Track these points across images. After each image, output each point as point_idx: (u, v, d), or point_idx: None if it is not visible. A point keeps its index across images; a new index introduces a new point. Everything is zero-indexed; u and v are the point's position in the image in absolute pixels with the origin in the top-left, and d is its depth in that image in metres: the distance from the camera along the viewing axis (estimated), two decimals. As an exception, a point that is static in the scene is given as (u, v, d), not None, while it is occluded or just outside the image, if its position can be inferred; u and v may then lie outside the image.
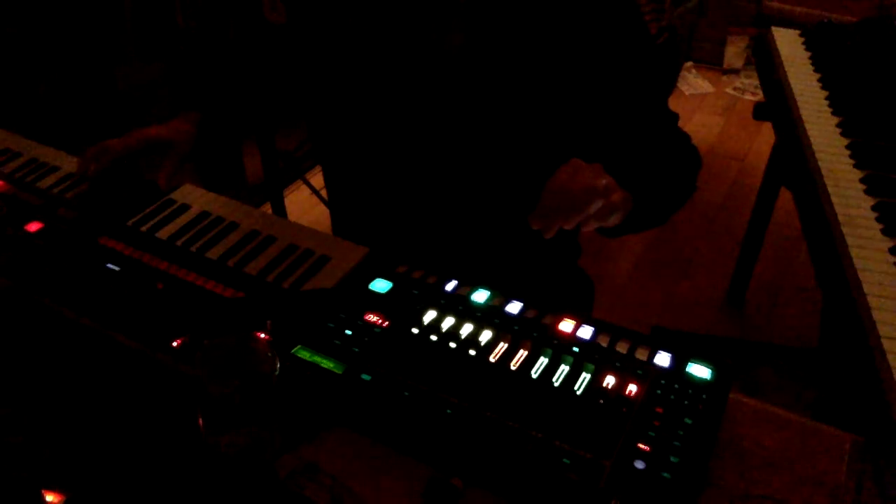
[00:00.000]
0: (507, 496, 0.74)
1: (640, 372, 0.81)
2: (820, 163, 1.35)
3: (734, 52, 3.84)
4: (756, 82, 3.63)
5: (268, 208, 2.36)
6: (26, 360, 0.90)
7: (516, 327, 0.87)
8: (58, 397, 0.85)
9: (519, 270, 1.13)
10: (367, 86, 1.08)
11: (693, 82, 3.76)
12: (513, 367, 0.82)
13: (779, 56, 1.74)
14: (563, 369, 0.82)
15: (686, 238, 2.69)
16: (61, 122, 2.34)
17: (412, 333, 0.86)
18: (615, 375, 0.81)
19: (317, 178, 2.67)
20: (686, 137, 1.13)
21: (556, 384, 0.80)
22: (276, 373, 0.75)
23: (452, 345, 0.84)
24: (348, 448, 0.79)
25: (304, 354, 0.83)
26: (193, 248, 1.03)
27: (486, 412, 0.76)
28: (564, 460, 0.71)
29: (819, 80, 1.63)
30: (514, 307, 0.90)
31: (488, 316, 0.88)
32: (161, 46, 2.57)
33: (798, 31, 1.85)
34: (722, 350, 2.18)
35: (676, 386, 0.80)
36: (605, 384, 0.80)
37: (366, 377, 0.80)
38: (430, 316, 0.88)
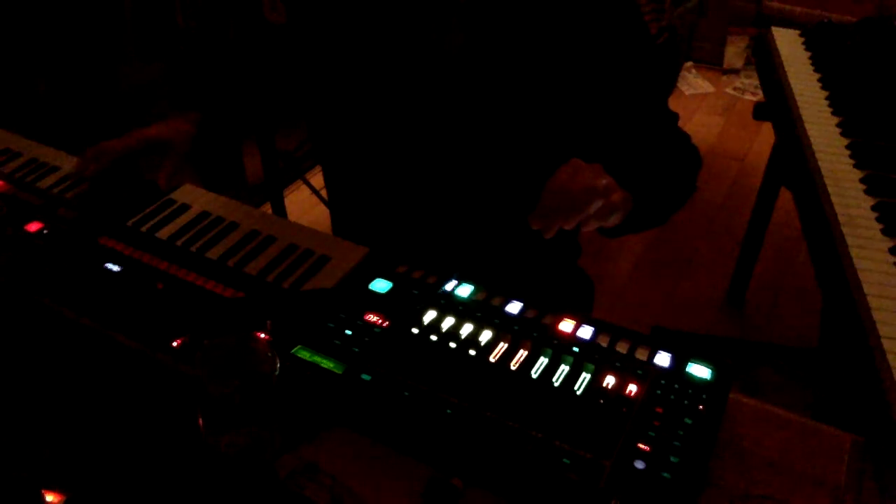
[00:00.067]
0: (507, 496, 0.74)
1: (640, 372, 0.81)
2: (820, 163, 1.35)
3: (734, 52, 3.84)
4: (756, 82, 3.63)
5: (268, 208, 2.36)
6: (26, 360, 0.90)
7: (516, 327, 0.87)
8: (58, 397, 0.85)
9: (519, 270, 1.13)
10: (367, 86, 1.08)
11: (693, 82, 3.76)
12: (513, 367, 0.82)
13: (779, 56, 1.74)
14: (563, 369, 0.82)
15: (686, 238, 2.69)
16: (61, 122, 2.34)
17: (412, 333, 0.86)
18: (615, 375, 0.81)
19: (317, 178, 2.67)
20: (686, 137, 1.13)
21: (556, 384, 0.80)
22: (276, 373, 0.75)
23: (452, 345, 0.84)
24: (348, 448, 0.79)
25: (304, 354, 0.83)
26: (193, 248, 1.03)
27: (486, 412, 0.76)
28: (564, 460, 0.71)
29: (819, 80, 1.63)
30: (514, 307, 0.90)
31: (488, 316, 0.88)
32: (161, 46, 2.57)
33: (798, 31, 1.85)
34: (722, 350, 2.18)
35: (676, 386, 0.80)
36: (605, 384, 0.80)
37: (366, 377, 0.80)
38: (430, 316, 0.88)
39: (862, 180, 1.30)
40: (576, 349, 0.84)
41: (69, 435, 0.81)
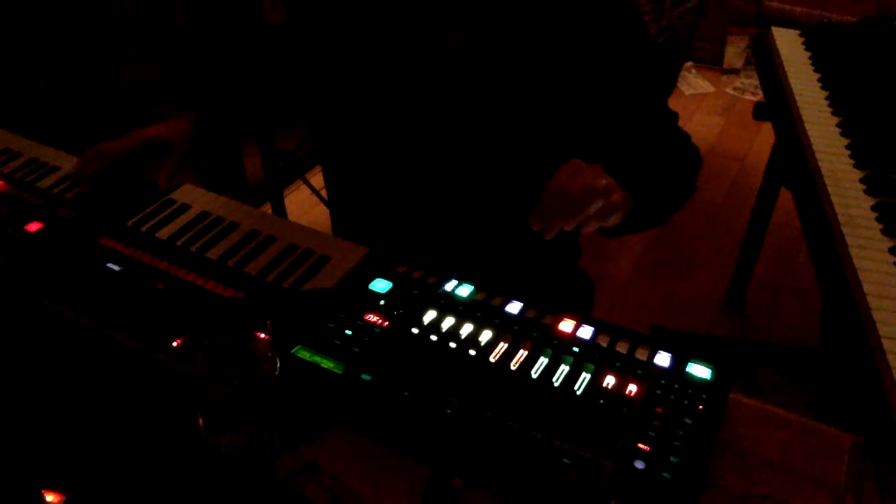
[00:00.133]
0: (507, 496, 0.74)
1: (640, 372, 0.81)
2: (820, 163, 1.35)
3: (734, 52, 3.84)
4: (756, 82, 3.63)
5: (268, 208, 2.36)
6: (26, 360, 0.90)
7: (516, 327, 0.87)
8: (58, 397, 0.85)
9: (519, 270, 1.13)
10: (367, 86, 1.08)
11: (693, 82, 3.76)
12: (513, 367, 0.82)
13: (779, 56, 1.74)
14: (563, 369, 0.82)
15: (686, 238, 2.69)
16: (61, 122, 2.34)
17: (412, 333, 0.86)
18: (615, 375, 0.81)
19: (317, 178, 2.67)
20: (686, 137, 1.13)
21: (556, 384, 0.80)
22: (276, 373, 0.75)
23: (452, 345, 0.84)
24: (348, 448, 0.79)
25: (304, 354, 0.83)
26: (193, 248, 1.03)
27: (486, 412, 0.76)
28: (564, 460, 0.71)
29: (819, 80, 1.63)
30: (514, 307, 0.90)
31: (488, 316, 0.88)
32: (161, 46, 2.57)
33: (798, 31, 1.85)
34: (722, 350, 2.18)
35: (676, 386, 0.80)
36: (605, 384, 0.80)
37: (366, 377, 0.80)
38: (430, 316, 0.88)
39: (862, 180, 1.30)
40: (576, 349, 0.84)
41: (69, 435, 0.81)
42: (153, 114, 1.16)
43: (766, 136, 3.21)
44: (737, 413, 0.83)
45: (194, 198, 1.15)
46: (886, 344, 0.97)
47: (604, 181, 0.90)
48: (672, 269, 2.56)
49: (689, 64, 3.82)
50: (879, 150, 1.38)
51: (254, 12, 2.34)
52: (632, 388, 0.79)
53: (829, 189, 1.28)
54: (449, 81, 1.05)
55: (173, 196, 1.15)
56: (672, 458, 0.72)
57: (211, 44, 2.55)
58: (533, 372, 0.81)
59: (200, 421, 0.76)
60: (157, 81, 2.57)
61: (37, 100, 2.38)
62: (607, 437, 0.74)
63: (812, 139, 1.42)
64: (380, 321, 0.88)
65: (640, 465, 0.71)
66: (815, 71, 1.67)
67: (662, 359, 0.83)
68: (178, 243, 1.04)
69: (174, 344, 0.86)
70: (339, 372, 0.81)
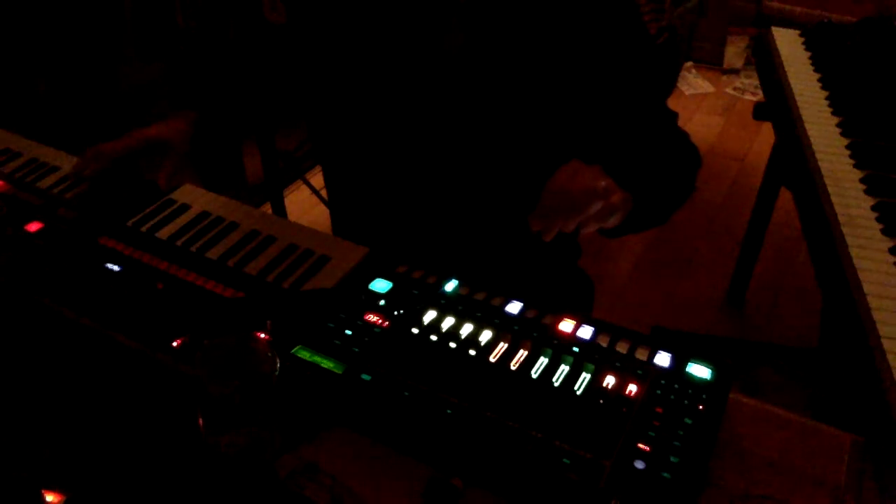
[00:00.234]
0: (507, 496, 0.74)
1: (640, 372, 0.81)
2: (820, 163, 1.35)
3: (734, 52, 3.84)
4: (756, 82, 3.63)
5: (268, 208, 2.36)
6: (26, 360, 0.90)
7: (516, 327, 0.87)
8: (58, 397, 0.85)
9: (519, 270, 1.13)
10: (367, 86, 1.08)
11: (693, 82, 3.76)
12: (513, 367, 0.82)
13: (779, 56, 1.74)
14: (563, 369, 0.82)
15: (686, 238, 2.69)
16: (61, 122, 2.34)
17: (412, 333, 0.86)
18: (615, 375, 0.81)
19: (317, 178, 2.67)
20: (685, 136, 1.13)
21: (556, 384, 0.80)
22: (276, 373, 0.75)
23: (452, 345, 0.84)
24: (348, 448, 0.79)
25: (304, 354, 0.83)
26: (193, 248, 1.03)
27: (486, 412, 0.76)
28: (564, 460, 0.71)
29: (819, 80, 1.63)
30: (514, 307, 0.90)
31: (488, 316, 0.88)
32: (161, 46, 2.57)
33: (798, 31, 1.85)
34: (722, 350, 2.18)
35: (676, 386, 0.80)
36: (605, 384, 0.80)
37: (366, 377, 0.80)
38: (430, 316, 0.88)
39: (862, 180, 1.30)
40: (576, 349, 0.84)
41: (69, 435, 0.81)
42: (153, 114, 1.16)
43: (766, 136, 3.21)
44: (737, 413, 0.83)
45: (194, 198, 1.15)
46: (886, 344, 0.97)
47: (603, 182, 0.90)
48: (672, 269, 2.56)
49: (689, 64, 3.82)
50: (879, 150, 1.38)
51: (254, 12, 2.34)
52: (632, 388, 0.79)
53: (829, 189, 1.28)
54: (449, 81, 1.05)
55: (173, 196, 1.15)
56: (672, 458, 0.72)
57: (211, 44, 2.55)
58: (533, 372, 0.81)
59: (200, 421, 0.76)
60: (157, 81, 2.57)
61: (37, 100, 2.38)
62: (607, 437, 0.74)
63: (812, 139, 1.42)
64: (380, 321, 0.88)
65: (640, 465, 0.71)
66: (815, 71, 1.67)
67: (662, 359, 0.83)
68: (178, 243, 1.04)
69: (174, 344, 0.86)
70: (339, 372, 0.81)
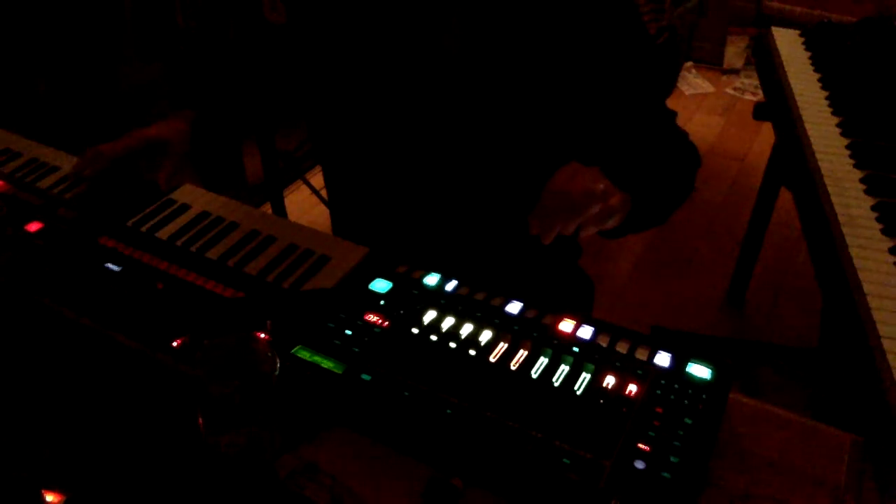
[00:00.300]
0: (507, 496, 0.74)
1: (640, 372, 0.81)
2: (820, 163, 1.35)
3: (734, 52, 3.84)
4: (756, 82, 3.63)
5: (268, 208, 2.36)
6: (26, 360, 0.90)
7: (516, 327, 0.87)
8: (58, 397, 0.85)
9: (519, 270, 1.13)
10: (367, 86, 1.08)
11: (693, 82, 3.76)
12: (513, 367, 0.82)
13: (779, 56, 1.74)
14: (563, 369, 0.82)
15: (686, 238, 2.69)
16: (61, 122, 2.34)
17: (412, 333, 0.86)
18: (615, 375, 0.81)
19: (317, 178, 2.67)
20: (684, 135, 1.13)
21: (556, 384, 0.80)
22: (276, 373, 0.75)
23: (452, 345, 0.84)
24: (348, 448, 0.79)
25: (304, 354, 0.83)
26: (193, 248, 1.03)
27: (486, 412, 0.76)
28: (564, 460, 0.71)
29: (819, 80, 1.63)
30: (514, 307, 0.90)
31: (488, 316, 0.88)
32: (161, 46, 2.57)
33: (798, 31, 1.85)
34: (722, 350, 2.18)
35: (676, 386, 0.80)
36: (605, 384, 0.80)
37: (366, 377, 0.80)
38: (430, 316, 0.88)
39: (862, 180, 1.30)
40: (576, 349, 0.84)
41: (69, 435, 0.81)
42: (153, 114, 1.16)
43: (766, 136, 3.21)
44: (737, 413, 0.83)
45: (194, 198, 1.15)
46: (886, 344, 0.97)
47: (602, 184, 0.90)
48: (672, 269, 2.56)
49: (689, 64, 3.82)
50: (879, 150, 1.38)
51: (254, 12, 2.34)
52: (632, 388, 0.79)
53: (829, 189, 1.28)
54: (448, 81, 1.05)
55: (173, 196, 1.15)
56: (672, 458, 0.72)
57: (211, 44, 2.55)
58: (533, 372, 0.81)
59: (200, 421, 0.76)
60: (157, 81, 2.57)
61: (37, 100, 2.38)
62: (607, 437, 0.74)
63: (812, 139, 1.42)
64: (380, 321, 0.88)
65: (640, 465, 0.71)
66: (815, 71, 1.67)
67: (662, 359, 0.83)
68: (178, 243, 1.04)
69: (174, 344, 0.85)
70: (339, 372, 0.81)
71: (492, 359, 0.83)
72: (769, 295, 2.44)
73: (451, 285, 0.93)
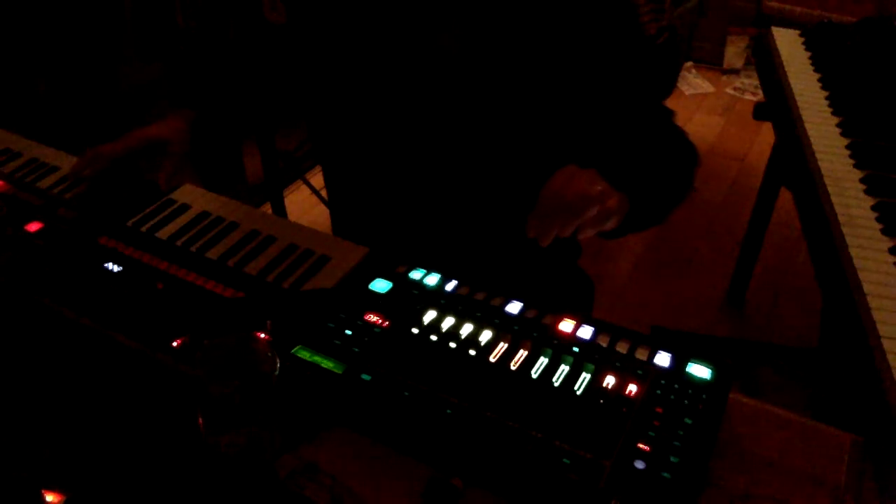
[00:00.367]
0: (507, 496, 0.74)
1: (640, 372, 0.81)
2: (820, 163, 1.35)
3: (734, 52, 3.84)
4: (756, 82, 3.63)
5: (268, 208, 2.36)
6: (26, 360, 0.90)
7: (516, 327, 0.87)
8: (58, 397, 0.85)
9: (519, 270, 1.13)
10: (366, 85, 1.08)
11: (693, 82, 3.76)
12: (513, 367, 0.82)
13: (779, 56, 1.74)
14: (563, 369, 0.82)
15: (686, 238, 2.69)
16: (61, 122, 2.34)
17: (412, 333, 0.86)
18: (615, 375, 0.81)
19: (317, 178, 2.67)
20: (682, 133, 1.13)
21: (556, 384, 0.80)
22: (276, 373, 0.75)
23: (452, 345, 0.84)
24: (348, 448, 0.79)
25: (304, 354, 0.83)
26: (193, 248, 1.03)
27: (486, 412, 0.76)
28: (564, 460, 0.71)
29: (819, 80, 1.63)
30: (514, 307, 0.90)
31: (488, 316, 0.88)
32: (161, 46, 2.57)
33: (798, 31, 1.85)
34: (722, 350, 2.18)
35: (676, 386, 0.80)
36: (605, 384, 0.80)
37: (366, 377, 0.80)
38: (430, 316, 0.88)
39: (862, 180, 1.30)
40: (576, 349, 0.84)
41: (69, 435, 0.81)
42: (153, 114, 1.16)
43: (766, 136, 3.21)
44: (737, 413, 0.83)
45: (194, 198, 1.15)
46: (886, 344, 0.97)
47: (599, 186, 0.90)
48: (672, 269, 2.56)
49: (689, 64, 3.82)
50: (879, 150, 1.38)
51: (254, 12, 2.34)
52: (632, 388, 0.79)
53: (829, 189, 1.28)
54: (446, 80, 1.05)
55: (173, 196, 1.15)
56: (672, 458, 0.72)
57: (211, 44, 2.55)
58: (533, 372, 0.81)
59: (200, 421, 0.76)
60: (157, 81, 2.57)
61: (37, 100, 2.38)
62: (607, 437, 0.74)
63: (812, 139, 1.42)
64: (380, 321, 0.88)
65: (640, 465, 0.71)
66: (815, 71, 1.67)
67: (662, 359, 0.83)
68: (178, 243, 1.04)
69: (174, 344, 0.85)
70: (339, 372, 0.81)
71: (492, 359, 0.83)
72: (769, 295, 2.44)
73: (451, 285, 0.93)
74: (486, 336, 0.86)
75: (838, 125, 1.47)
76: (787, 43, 1.80)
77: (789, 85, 1.61)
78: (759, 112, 1.84)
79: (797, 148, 1.45)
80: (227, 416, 0.75)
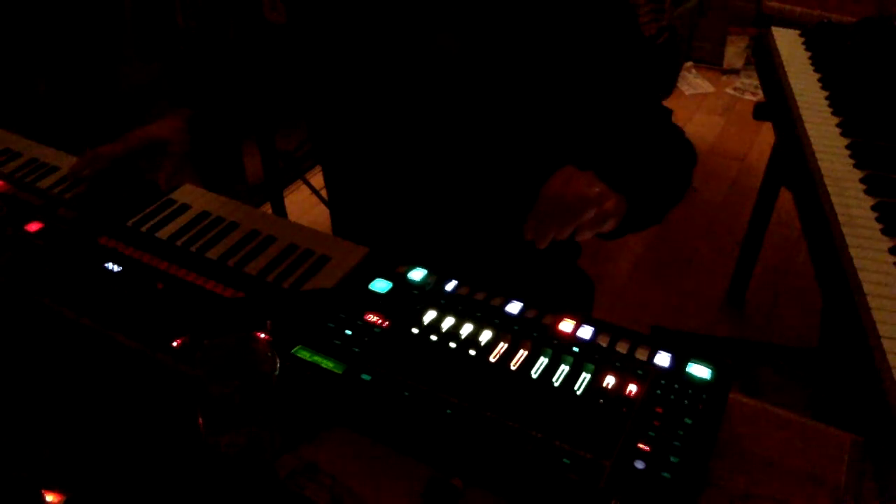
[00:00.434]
0: (507, 496, 0.74)
1: (640, 372, 0.81)
2: (820, 163, 1.35)
3: (734, 52, 3.84)
4: (756, 82, 3.63)
5: (268, 208, 2.36)
6: (26, 360, 0.90)
7: (516, 327, 0.87)
8: (58, 397, 0.85)
9: (519, 270, 1.13)
10: (365, 85, 1.08)
11: (693, 82, 3.76)
12: (513, 367, 0.82)
13: (779, 56, 1.74)
14: (563, 369, 0.82)
15: (686, 238, 2.69)
16: (61, 122, 2.34)
17: (412, 333, 0.86)
18: (615, 375, 0.81)
19: (317, 178, 2.67)
20: (679, 132, 1.13)
21: (556, 384, 0.80)
22: (276, 373, 0.75)
23: (452, 345, 0.84)
24: (348, 448, 0.79)
25: (304, 354, 0.83)
26: (193, 248, 1.03)
27: (486, 412, 0.76)
28: (564, 460, 0.71)
29: (819, 80, 1.63)
30: (514, 307, 0.90)
31: (488, 316, 0.88)
32: (161, 46, 2.57)
33: (798, 31, 1.85)
34: (722, 350, 2.18)
35: (676, 386, 0.80)
36: (605, 384, 0.80)
37: (366, 377, 0.80)
38: (430, 316, 0.88)
39: (862, 180, 1.30)
40: (576, 349, 0.84)
41: (69, 435, 0.81)
42: (153, 114, 1.16)
43: (766, 136, 3.22)
44: (737, 413, 0.83)
45: (194, 198, 1.15)
46: (886, 344, 0.97)
47: (597, 188, 0.90)
48: (672, 269, 2.56)
49: (689, 64, 3.82)
50: (879, 150, 1.38)
51: (254, 12, 2.34)
52: (632, 388, 0.79)
53: (829, 189, 1.28)
54: (445, 80, 1.05)
55: (173, 196, 1.15)
56: (672, 458, 0.72)
57: (211, 44, 2.55)
58: (533, 372, 0.81)
59: (200, 421, 0.76)
60: (157, 81, 2.57)
61: (37, 100, 2.38)
62: (607, 437, 0.74)
63: (812, 139, 1.42)
64: (380, 321, 0.88)
65: (640, 465, 0.71)
66: (815, 71, 1.67)
67: (662, 359, 0.83)
68: (178, 243, 1.04)
69: (174, 344, 0.85)
70: (339, 372, 0.81)
71: (492, 359, 0.83)
72: (769, 295, 2.44)
73: (451, 285, 0.93)
74: (486, 336, 0.86)
75: (838, 125, 1.47)
76: (787, 43, 1.80)
77: (789, 85, 1.62)
78: (759, 112, 1.84)
79: (797, 148, 1.45)
80: (227, 416, 0.75)
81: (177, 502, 0.76)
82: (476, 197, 1.11)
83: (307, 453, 0.78)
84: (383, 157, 1.13)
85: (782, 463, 0.78)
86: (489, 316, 0.88)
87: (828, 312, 1.48)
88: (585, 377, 0.81)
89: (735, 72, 3.81)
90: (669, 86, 3.56)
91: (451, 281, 0.94)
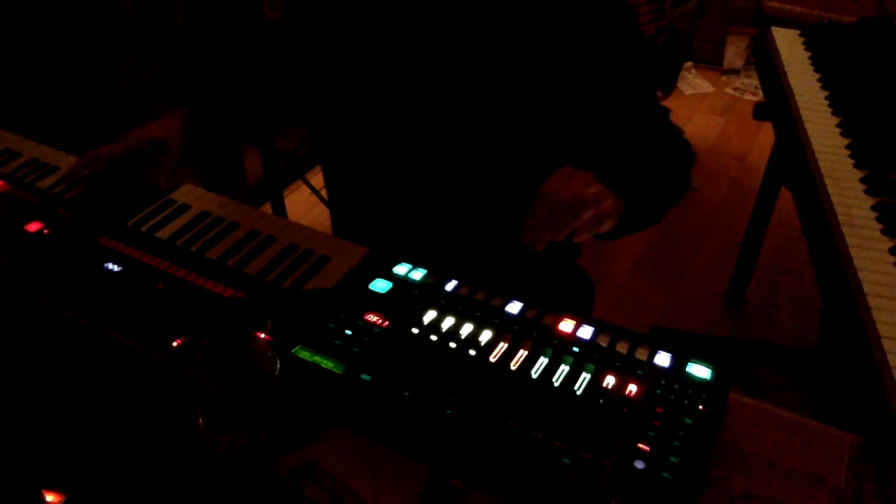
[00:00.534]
0: (507, 496, 0.74)
1: (640, 372, 0.81)
2: (820, 163, 1.35)
3: (734, 52, 3.84)
4: (756, 82, 3.63)
5: (268, 208, 2.36)
6: (26, 360, 0.90)
7: (516, 327, 0.87)
8: (58, 397, 0.85)
9: (518, 270, 1.13)
10: (363, 86, 1.08)
11: (693, 82, 3.76)
12: (513, 367, 0.82)
13: (779, 56, 1.74)
14: (563, 369, 0.82)
15: (686, 238, 2.69)
16: (61, 122, 2.34)
17: (412, 333, 0.86)
18: (615, 375, 0.81)
19: (317, 178, 2.67)
20: (677, 131, 1.13)
21: (556, 384, 0.80)
22: (276, 373, 0.75)
23: (452, 345, 0.84)
24: (348, 448, 0.79)
25: (304, 354, 0.83)
26: (193, 248, 1.03)
27: (486, 412, 0.76)
28: (564, 460, 0.71)
29: (819, 80, 1.63)
30: (514, 307, 0.90)
31: (488, 316, 0.88)
32: (161, 46, 2.57)
33: (798, 31, 1.85)
34: (722, 350, 2.18)
35: (676, 386, 0.80)
36: (605, 384, 0.80)
37: (366, 377, 0.80)
38: (430, 316, 0.88)
39: (862, 180, 1.30)
40: (576, 349, 0.84)
41: (69, 435, 0.81)
42: (153, 114, 1.16)
43: (766, 136, 3.21)
44: (737, 413, 0.83)
45: (194, 198, 1.15)
46: (886, 344, 0.97)
47: (594, 189, 0.90)
48: (672, 269, 2.56)
49: (689, 64, 3.82)
50: (879, 150, 1.38)
51: (254, 11, 2.34)
52: (632, 388, 0.79)
53: (829, 189, 1.28)
54: (439, 82, 1.05)
55: (173, 196, 1.15)
56: (672, 458, 0.72)
57: (211, 44, 2.55)
58: (533, 372, 0.81)
59: (200, 421, 0.76)
60: (157, 81, 2.57)
61: (37, 100, 2.38)
62: (607, 437, 0.74)
63: (812, 139, 1.42)
64: (380, 321, 0.88)
65: (640, 465, 0.71)
66: (815, 71, 1.67)
67: (662, 359, 0.83)
68: (178, 243, 1.04)
69: (174, 344, 0.86)
70: (339, 372, 0.81)
71: (492, 359, 0.83)
72: (769, 295, 2.44)
73: (450, 285, 0.93)
74: (486, 336, 0.86)
75: (838, 125, 1.47)
76: (787, 43, 1.80)
77: (789, 85, 1.62)
78: (759, 112, 1.84)
79: (797, 148, 1.45)
80: (227, 416, 0.75)
81: (177, 502, 0.76)
82: (475, 196, 1.11)
83: (307, 453, 0.78)
84: (383, 158, 1.13)
85: (782, 463, 0.78)
86: (489, 316, 0.88)
87: (828, 312, 1.48)
88: (585, 377, 0.81)
89: (735, 72, 3.81)
90: (669, 86, 3.56)
91: (450, 281, 0.94)
